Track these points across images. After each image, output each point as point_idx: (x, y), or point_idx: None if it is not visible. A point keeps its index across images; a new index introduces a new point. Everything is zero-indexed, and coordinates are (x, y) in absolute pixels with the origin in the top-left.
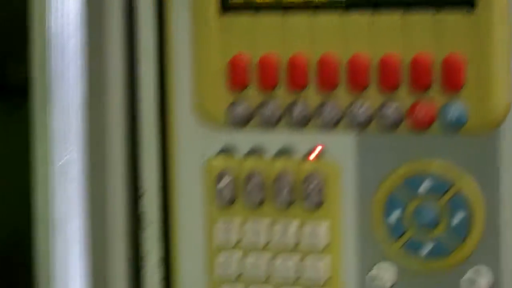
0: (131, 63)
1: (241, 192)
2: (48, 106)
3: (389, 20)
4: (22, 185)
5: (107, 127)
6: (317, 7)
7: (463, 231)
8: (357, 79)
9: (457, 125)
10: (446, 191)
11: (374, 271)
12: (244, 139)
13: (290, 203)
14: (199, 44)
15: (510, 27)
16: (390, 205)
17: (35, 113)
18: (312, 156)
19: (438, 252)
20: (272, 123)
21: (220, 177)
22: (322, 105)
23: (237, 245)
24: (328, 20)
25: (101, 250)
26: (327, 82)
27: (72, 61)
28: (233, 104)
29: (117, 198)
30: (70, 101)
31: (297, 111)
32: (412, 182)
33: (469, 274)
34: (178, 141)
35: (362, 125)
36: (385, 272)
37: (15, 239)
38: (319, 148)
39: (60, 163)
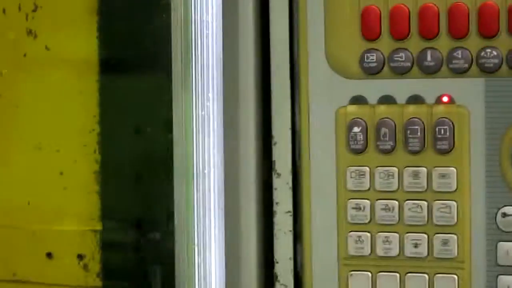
0: (264, 15)
1: (373, 139)
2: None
3: None
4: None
5: (241, 78)
6: None
7: None
8: (487, 26)
9: None
10: None
11: (504, 210)
12: (376, 88)
13: (421, 149)
14: None
15: None
16: None
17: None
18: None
19: None
20: (403, 71)
21: (352, 124)
22: (452, 52)
23: (369, 190)
24: None
25: (236, 197)
26: (458, 30)
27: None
28: (365, 53)
29: (250, 147)
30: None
31: (428, 58)
32: None
33: None
34: (311, 90)
35: (492, 71)
36: None
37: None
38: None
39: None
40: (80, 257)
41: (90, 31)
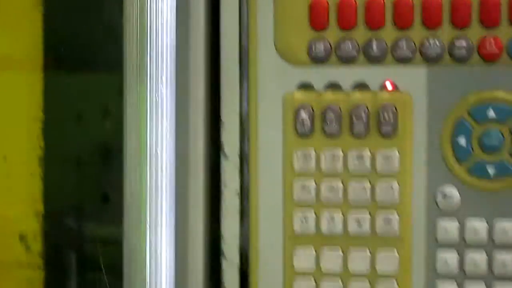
0: (216, 2)
1: (319, 124)
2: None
3: None
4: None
5: (192, 65)
6: None
7: None
8: (431, 18)
9: None
10: (509, 118)
11: (443, 190)
12: (322, 75)
13: (365, 133)
14: None
15: None
16: (458, 131)
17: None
18: (387, 88)
19: (502, 173)
20: (349, 59)
21: (299, 109)
22: (397, 42)
23: (315, 172)
24: None
25: (185, 179)
26: (402, 21)
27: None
28: (313, 41)
29: (199, 129)
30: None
31: (374, 48)
32: (479, 109)
33: None
34: (259, 76)
35: (434, 59)
36: (454, 191)
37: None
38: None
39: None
40: (22, 237)
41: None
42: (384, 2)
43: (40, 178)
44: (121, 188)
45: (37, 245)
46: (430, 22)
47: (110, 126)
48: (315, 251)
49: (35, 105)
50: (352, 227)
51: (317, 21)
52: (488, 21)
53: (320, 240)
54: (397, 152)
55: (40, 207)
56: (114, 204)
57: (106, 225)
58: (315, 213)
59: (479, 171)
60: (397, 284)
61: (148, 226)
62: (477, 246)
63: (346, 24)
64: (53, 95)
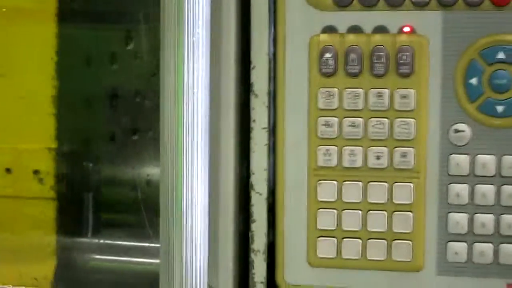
0: None
1: (342, 64)
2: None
3: None
4: None
5: (224, 6)
6: None
7: None
8: None
9: None
10: None
11: (456, 126)
12: (345, 19)
13: (384, 73)
14: None
15: None
16: (470, 71)
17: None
18: (405, 31)
19: (510, 111)
20: (370, 4)
21: (324, 51)
22: None
23: (337, 109)
24: None
25: (217, 116)
26: None
27: None
28: None
29: (231, 69)
30: None
31: None
32: (490, 51)
33: None
34: (287, 20)
35: (449, 4)
36: (465, 128)
37: None
38: (412, 25)
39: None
40: (36, 172)
41: None
42: None
43: (54, 117)
44: (128, 129)
45: (50, 179)
46: None
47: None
48: (337, 183)
49: (50, 49)
50: (371, 160)
51: None
52: None
53: (341, 173)
54: (413, 91)
55: (53, 144)
56: (120, 143)
57: (114, 163)
58: (337, 148)
59: (488, 109)
60: (412, 214)
61: (185, 160)
62: (486, 179)
63: None
64: (67, 41)
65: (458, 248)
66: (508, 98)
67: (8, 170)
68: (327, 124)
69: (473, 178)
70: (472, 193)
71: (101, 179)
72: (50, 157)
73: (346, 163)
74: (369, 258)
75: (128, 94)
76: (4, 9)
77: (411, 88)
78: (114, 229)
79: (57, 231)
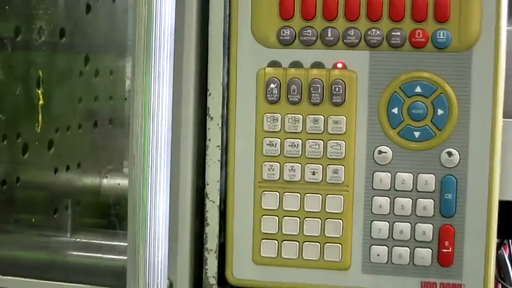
0: (206, 3)
1: (285, 93)
2: None
3: None
4: None
5: (186, 44)
6: None
7: (442, 122)
8: (373, 12)
9: (443, 46)
10: (432, 93)
11: (379, 148)
12: (288, 55)
13: (320, 102)
14: None
15: None
16: (392, 102)
17: None
18: (338, 67)
19: (425, 136)
20: (309, 44)
21: (269, 82)
22: (347, 31)
23: (280, 131)
24: None
25: (178, 133)
26: (351, 14)
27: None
28: (281, 28)
29: (190, 96)
30: None
31: (329, 35)
32: (409, 86)
33: (444, 153)
34: (239, 55)
35: (375, 45)
36: (387, 149)
37: None
38: (343, 63)
39: None
40: None
41: None
42: (340, 1)
43: None
44: None
45: None
46: (373, 16)
47: None
48: (279, 194)
49: None
50: (308, 175)
51: (285, 12)
52: (418, 16)
53: (283, 185)
54: (344, 117)
55: None
56: None
57: None
58: (279, 164)
59: (407, 134)
60: (342, 221)
61: (149, 171)
62: (404, 193)
63: (307, 15)
64: None
65: (380, 251)
66: (424, 126)
67: None
68: (271, 144)
69: (393, 192)
70: (392, 205)
71: None
72: None
73: (286, 177)
74: (305, 258)
75: None
76: None
77: (343, 115)
78: None
79: None
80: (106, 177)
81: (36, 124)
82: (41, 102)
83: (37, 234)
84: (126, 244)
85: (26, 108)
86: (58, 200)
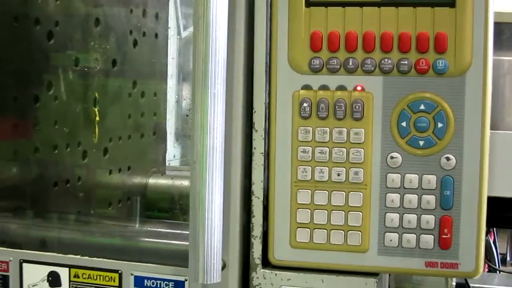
0: (251, 39)
1: (315, 110)
2: None
3: (405, 12)
4: None
5: (235, 72)
6: (362, 4)
7: (442, 133)
8: (386, 46)
9: (442, 72)
10: (433, 110)
11: (391, 154)
12: (317, 80)
13: (343, 117)
14: (293, 24)
15: (475, 16)
16: (401, 117)
17: None
18: (357, 89)
19: (428, 145)
20: (335, 71)
21: (302, 101)
22: (365, 60)
23: (311, 141)
24: (369, 12)
25: (229, 146)
26: (368, 47)
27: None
28: (312, 59)
29: (239, 114)
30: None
31: (350, 64)
32: (415, 104)
33: (444, 158)
34: (278, 81)
35: (387, 72)
36: (398, 155)
37: None
38: (362, 85)
39: None
40: None
41: None
42: (357, 35)
43: None
44: None
45: None
46: (385, 49)
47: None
48: (311, 191)
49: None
50: (334, 176)
51: (314, 46)
52: (421, 49)
53: (314, 184)
54: (363, 130)
55: None
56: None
57: None
58: (311, 167)
59: (414, 143)
60: (361, 213)
61: (207, 175)
62: (412, 190)
63: (333, 48)
64: None
65: (392, 237)
66: (427, 136)
67: None
68: (304, 151)
69: (403, 189)
70: (402, 200)
71: None
72: None
73: (317, 178)
74: (331, 242)
75: None
76: None
77: (362, 128)
78: None
79: None
80: (151, 178)
81: (94, 135)
82: (97, 118)
83: (110, 224)
84: (183, 231)
85: (85, 122)
86: (112, 195)
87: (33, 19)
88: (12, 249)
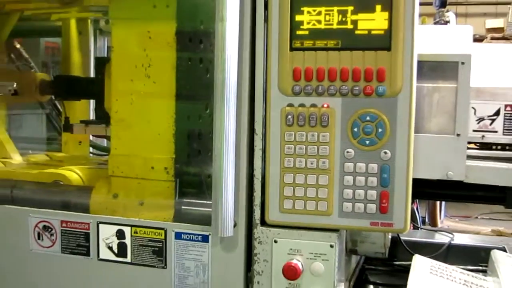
0: (253, 72)
1: (296, 121)
2: None
3: (357, 54)
4: None
5: (243, 93)
6: (328, 49)
7: (381, 136)
8: (344, 77)
9: (382, 95)
10: (375, 120)
11: (347, 150)
12: (298, 100)
13: (315, 125)
14: (281, 60)
15: (404, 56)
16: (354, 125)
17: None
18: (324, 106)
19: (372, 143)
20: (309, 94)
21: (288, 114)
22: (330, 87)
23: (293, 141)
24: (332, 54)
25: (238, 145)
26: (332, 77)
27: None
28: (294, 86)
29: (245, 124)
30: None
31: (320, 89)
32: (363, 116)
33: (382, 152)
34: (272, 101)
35: (345, 95)
36: (351, 151)
37: None
38: (327, 104)
39: None
40: (166, 168)
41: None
42: (324, 70)
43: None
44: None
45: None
46: (343, 79)
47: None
48: (293, 175)
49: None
50: (309, 165)
51: (296, 77)
52: (367, 79)
53: (295, 170)
54: (328, 133)
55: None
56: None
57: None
58: (293, 159)
59: (362, 142)
60: (327, 190)
61: (224, 161)
62: (361, 173)
63: (308, 79)
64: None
65: (348, 205)
66: (371, 137)
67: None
68: (289, 148)
69: (355, 173)
70: (354, 180)
71: None
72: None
73: (297, 165)
74: (307, 209)
75: None
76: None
77: (327, 132)
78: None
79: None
80: None
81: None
82: None
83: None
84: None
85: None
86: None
87: (198, 60)
88: (91, 214)
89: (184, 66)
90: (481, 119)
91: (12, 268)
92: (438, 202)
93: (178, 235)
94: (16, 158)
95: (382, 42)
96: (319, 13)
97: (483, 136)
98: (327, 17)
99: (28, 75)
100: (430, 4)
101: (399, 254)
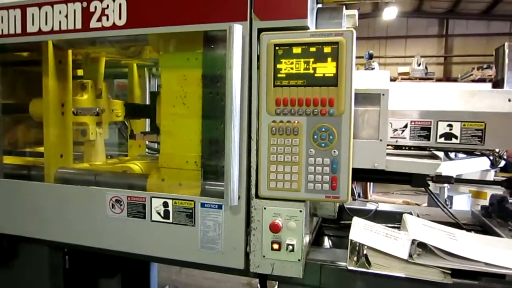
0: (250, 99)
1: (278, 131)
2: None
3: (316, 89)
4: None
5: (244, 111)
6: (298, 86)
7: (332, 140)
8: (307, 104)
9: (332, 115)
10: (328, 130)
11: (311, 149)
12: (279, 118)
13: (291, 134)
14: (268, 92)
15: (346, 90)
16: (314, 134)
17: None
18: (295, 122)
19: (326, 145)
20: (287, 114)
21: (273, 127)
22: (298, 109)
23: (276, 144)
24: (300, 89)
25: (240, 147)
26: (300, 104)
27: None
28: (276, 109)
29: (245, 133)
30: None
31: (293, 111)
32: (320, 128)
33: (333, 151)
34: (262, 119)
35: (308, 114)
36: (313, 150)
37: None
38: (297, 120)
39: None
40: (195, 162)
41: None
42: (295, 99)
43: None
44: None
45: (199, 164)
46: (307, 105)
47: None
48: (276, 166)
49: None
50: (286, 159)
51: (277, 103)
52: (323, 104)
53: (278, 163)
54: (298, 139)
55: (200, 153)
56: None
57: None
58: (276, 155)
59: (320, 145)
60: (298, 175)
61: (231, 159)
62: (319, 165)
63: (285, 104)
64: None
65: (311, 185)
66: (325, 141)
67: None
68: (273, 148)
69: (315, 165)
70: (315, 169)
71: None
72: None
73: (279, 159)
74: (285, 187)
75: None
76: None
77: (297, 138)
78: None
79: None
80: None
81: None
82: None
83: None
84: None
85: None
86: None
87: (216, 93)
88: (146, 192)
89: (207, 97)
90: (395, 130)
91: (94, 228)
92: (368, 183)
93: (202, 205)
94: (101, 159)
95: (332, 81)
96: (292, 63)
97: (397, 141)
98: (297, 65)
99: (108, 102)
100: (362, 57)
101: (344, 216)
